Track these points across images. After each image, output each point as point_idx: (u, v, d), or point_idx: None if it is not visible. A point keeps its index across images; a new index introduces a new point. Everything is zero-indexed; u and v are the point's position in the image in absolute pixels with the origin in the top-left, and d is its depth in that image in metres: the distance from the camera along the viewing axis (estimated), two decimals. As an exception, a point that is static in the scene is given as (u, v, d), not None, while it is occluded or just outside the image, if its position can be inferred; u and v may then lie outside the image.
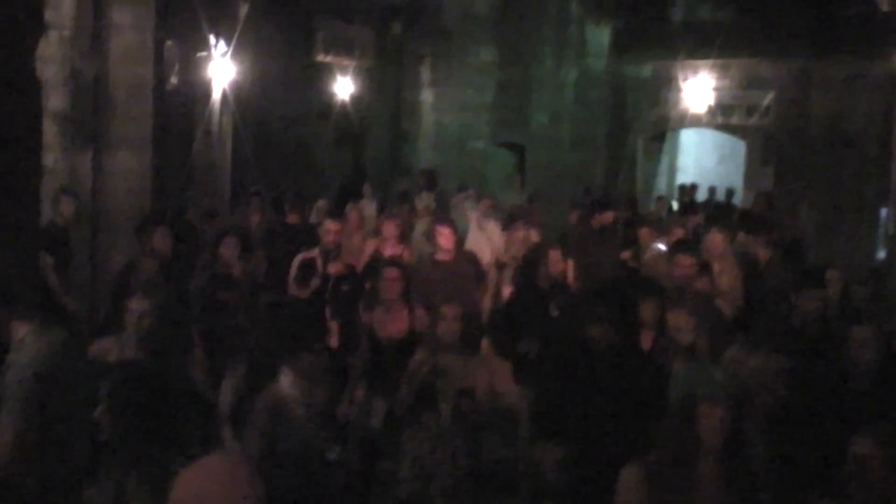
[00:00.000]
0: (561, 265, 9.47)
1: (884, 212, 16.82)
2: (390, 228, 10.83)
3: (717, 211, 17.63)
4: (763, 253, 11.09)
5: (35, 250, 9.31)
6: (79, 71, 10.94)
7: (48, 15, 10.08)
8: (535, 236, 11.94)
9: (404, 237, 11.46)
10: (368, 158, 22.75)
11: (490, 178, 21.64)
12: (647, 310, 7.64)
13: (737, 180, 23.23)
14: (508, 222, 12.82)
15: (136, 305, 6.51)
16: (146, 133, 11.77)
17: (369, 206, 15.85)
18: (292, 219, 12.75)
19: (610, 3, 21.54)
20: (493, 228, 12.92)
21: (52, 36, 10.49)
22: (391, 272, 8.63)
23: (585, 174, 20.93)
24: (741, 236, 11.67)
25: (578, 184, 19.67)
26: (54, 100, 10.58)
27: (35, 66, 9.65)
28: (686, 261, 8.66)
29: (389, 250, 10.46)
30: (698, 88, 20.68)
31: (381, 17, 22.71)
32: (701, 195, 21.50)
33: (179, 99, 15.25)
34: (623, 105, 21.65)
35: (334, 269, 9.52)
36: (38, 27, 9.77)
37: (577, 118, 21.45)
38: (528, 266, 9.59)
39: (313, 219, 13.61)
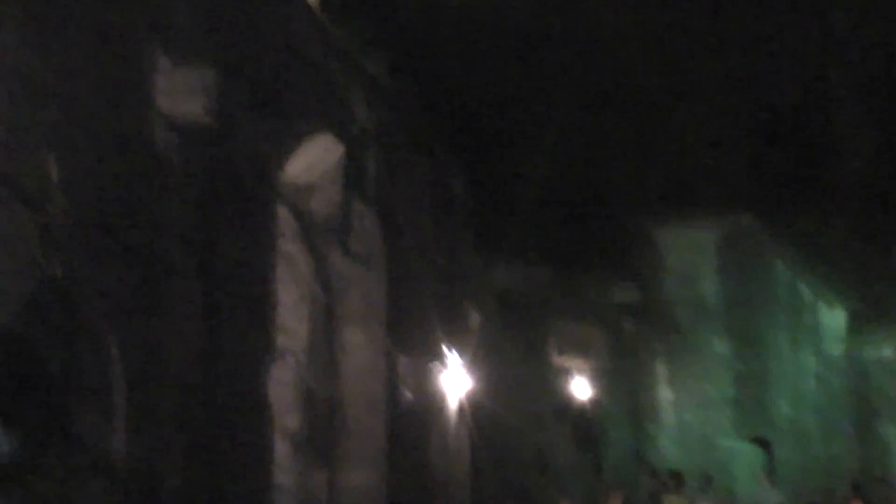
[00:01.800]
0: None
1: None
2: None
3: None
4: None
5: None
6: (312, 392, 10.96)
7: (281, 340, 10.20)
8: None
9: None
10: (609, 460, 22.06)
11: (737, 476, 20.63)
12: None
13: None
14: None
15: None
16: (380, 450, 11.62)
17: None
18: None
19: (841, 284, 20.88)
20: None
21: (286, 360, 10.59)
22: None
23: (837, 466, 19.75)
24: None
25: (830, 477, 18.54)
26: (287, 421, 10.54)
27: (267, 389, 9.69)
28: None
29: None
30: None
31: (614, 316, 22.56)
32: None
33: (413, 413, 15.14)
34: (868, 389, 20.63)
35: None
36: (271, 353, 9.88)
37: (821, 407, 20.49)
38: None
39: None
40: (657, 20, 20.17)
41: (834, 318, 20.82)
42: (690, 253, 22.21)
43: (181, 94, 8.03)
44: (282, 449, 10.28)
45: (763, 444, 21.50)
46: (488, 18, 18.15)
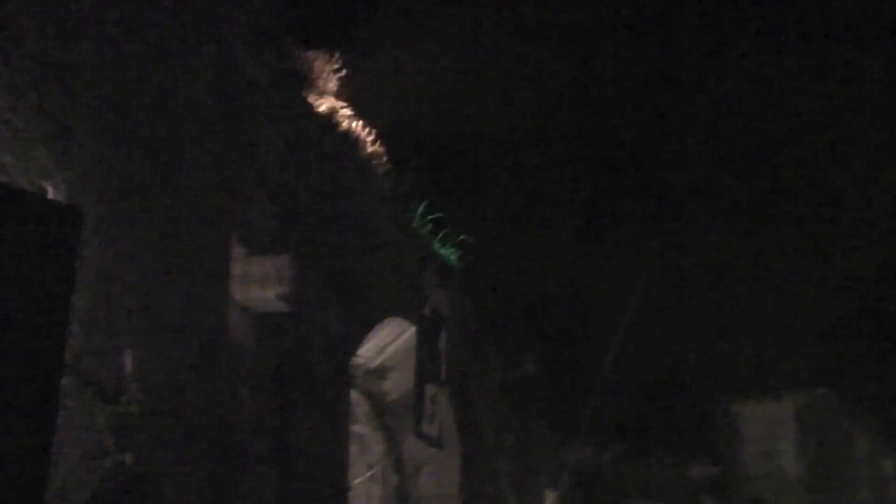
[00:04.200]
0: None
1: None
2: None
3: None
4: None
5: None
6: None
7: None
8: None
9: None
10: None
11: None
12: None
13: None
14: None
15: None
16: None
17: None
18: None
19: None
20: None
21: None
22: None
23: None
24: None
25: None
26: None
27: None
28: None
29: None
30: None
31: (692, 492, 22.01)
32: None
33: None
34: None
35: None
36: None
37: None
38: None
39: None
40: (731, 194, 20.24)
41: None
42: (768, 427, 21.70)
43: (256, 282, 8.12)
44: None
45: None
46: (559, 201, 18.35)
